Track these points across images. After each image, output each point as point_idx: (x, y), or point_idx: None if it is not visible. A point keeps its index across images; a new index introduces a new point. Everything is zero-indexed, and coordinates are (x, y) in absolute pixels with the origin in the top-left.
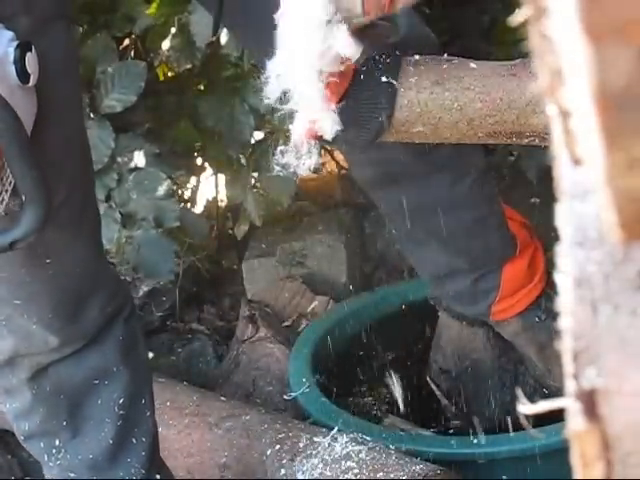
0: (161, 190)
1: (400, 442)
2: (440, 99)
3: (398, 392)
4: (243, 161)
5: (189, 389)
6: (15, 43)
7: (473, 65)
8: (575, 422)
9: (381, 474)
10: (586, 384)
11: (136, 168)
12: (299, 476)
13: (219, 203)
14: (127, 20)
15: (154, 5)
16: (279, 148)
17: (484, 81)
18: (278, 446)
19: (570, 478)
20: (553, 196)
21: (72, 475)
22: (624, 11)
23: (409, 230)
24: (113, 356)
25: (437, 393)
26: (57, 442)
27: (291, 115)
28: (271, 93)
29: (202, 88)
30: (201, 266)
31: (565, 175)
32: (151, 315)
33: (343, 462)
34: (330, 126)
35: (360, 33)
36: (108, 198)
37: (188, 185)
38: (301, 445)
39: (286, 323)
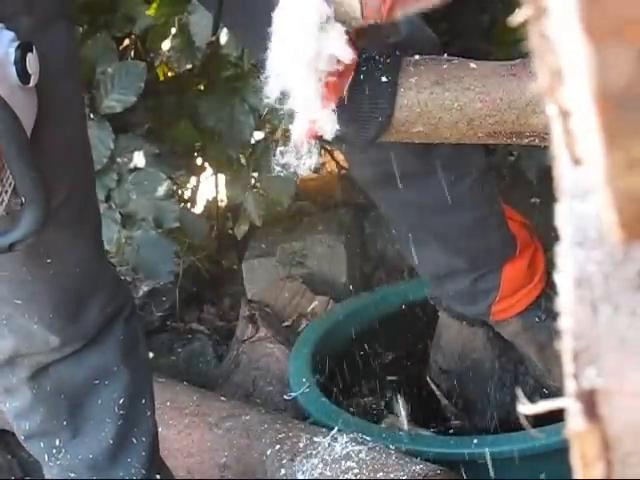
0: (161, 190)
1: (400, 442)
2: (440, 99)
3: (398, 392)
4: (243, 161)
5: (189, 389)
6: (16, 44)
7: (473, 65)
8: (575, 422)
9: (381, 474)
10: (586, 384)
11: (136, 168)
12: (299, 476)
13: (219, 203)
14: (127, 20)
15: (154, 5)
16: (279, 148)
17: (484, 81)
18: (278, 446)
19: (570, 478)
20: (553, 196)
21: (72, 475)
22: (624, 11)
23: (409, 230)
24: (113, 356)
25: (437, 393)
26: (57, 442)
27: (291, 115)
28: (271, 93)
29: (202, 88)
30: (201, 266)
31: (565, 175)
32: (151, 315)
33: (343, 462)
34: (330, 126)
35: (360, 32)
36: (108, 198)
37: (188, 185)
38: (301, 445)
39: (286, 323)
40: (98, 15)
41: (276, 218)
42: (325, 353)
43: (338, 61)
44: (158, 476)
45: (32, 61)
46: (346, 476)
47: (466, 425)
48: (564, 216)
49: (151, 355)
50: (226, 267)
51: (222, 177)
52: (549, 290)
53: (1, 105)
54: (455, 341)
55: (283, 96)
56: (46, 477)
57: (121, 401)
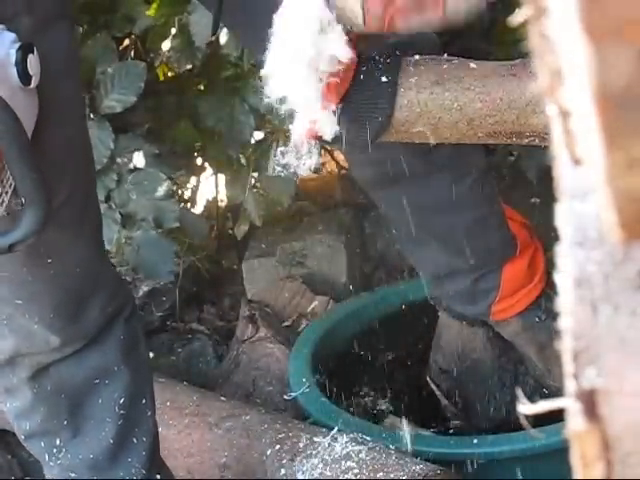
0: (161, 190)
1: (400, 442)
2: (440, 99)
3: (398, 392)
4: (243, 161)
5: (189, 389)
6: (17, 45)
7: (473, 65)
8: (575, 422)
9: (381, 474)
10: (586, 384)
11: (136, 168)
12: (299, 476)
13: (219, 203)
14: (127, 20)
15: (154, 5)
16: (279, 148)
17: (484, 81)
18: (278, 446)
19: (570, 478)
20: (553, 196)
21: (72, 475)
22: (624, 11)
23: (409, 230)
24: (114, 356)
25: (437, 393)
26: (58, 441)
27: (291, 115)
28: (271, 93)
29: (202, 88)
30: (201, 266)
31: (565, 175)
32: (151, 315)
33: (343, 462)
34: (330, 126)
35: (362, 36)
36: (108, 199)
37: (188, 185)
38: (301, 445)
39: (286, 323)
40: (98, 15)
41: (276, 218)
42: (325, 353)
43: (339, 62)
44: (158, 476)
45: (33, 62)
46: (346, 476)
47: (466, 425)
48: (564, 216)
49: (151, 355)
50: (226, 267)
51: (222, 177)
52: (549, 290)
53: (2, 106)
54: (455, 341)
55: (283, 96)
56: (46, 477)
57: (121, 401)
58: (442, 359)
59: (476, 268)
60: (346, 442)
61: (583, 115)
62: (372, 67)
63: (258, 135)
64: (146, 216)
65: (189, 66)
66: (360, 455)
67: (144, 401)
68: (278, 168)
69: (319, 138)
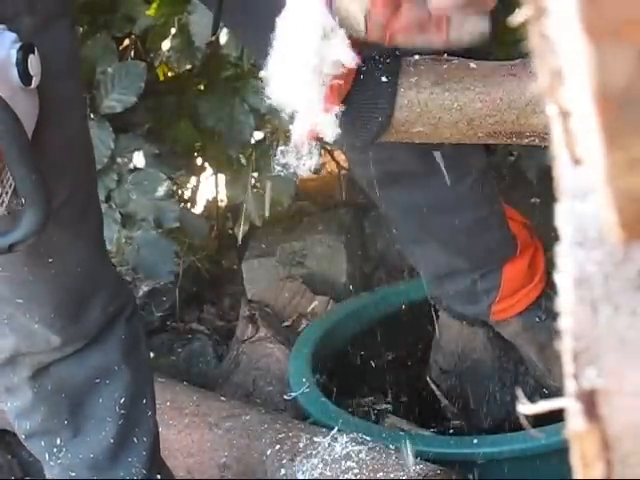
0: (161, 190)
1: (400, 442)
2: (440, 99)
3: (398, 392)
4: (243, 161)
5: (189, 389)
6: (18, 45)
7: (473, 65)
8: (575, 422)
9: (381, 474)
10: (586, 384)
11: (136, 168)
12: (299, 476)
13: (219, 203)
14: (127, 20)
15: (154, 5)
16: (279, 148)
17: (484, 81)
18: (278, 446)
19: (570, 478)
20: (553, 196)
21: (73, 474)
22: (624, 11)
23: (409, 230)
24: (115, 355)
25: (437, 393)
26: (58, 441)
27: (292, 116)
28: (273, 95)
29: (202, 88)
30: (201, 266)
31: (565, 175)
32: (151, 315)
33: (343, 462)
34: (331, 128)
35: (364, 42)
36: (108, 198)
37: (188, 185)
38: (301, 445)
39: (286, 323)
40: (98, 15)
41: (276, 218)
42: (325, 353)
43: (342, 65)
44: (159, 476)
45: (34, 63)
46: (346, 476)
47: (466, 425)
48: (564, 216)
49: (151, 355)
50: (226, 267)
51: (222, 177)
52: (549, 290)
53: (2, 107)
54: (455, 341)
55: (285, 99)
56: (47, 476)
57: (122, 400)
58: (442, 359)
59: (476, 268)
60: (346, 442)
61: (583, 115)
62: (372, 67)
63: (258, 135)
64: (146, 216)
65: (189, 66)
66: (360, 455)
67: (145, 401)
68: (278, 168)
69: (320, 139)
